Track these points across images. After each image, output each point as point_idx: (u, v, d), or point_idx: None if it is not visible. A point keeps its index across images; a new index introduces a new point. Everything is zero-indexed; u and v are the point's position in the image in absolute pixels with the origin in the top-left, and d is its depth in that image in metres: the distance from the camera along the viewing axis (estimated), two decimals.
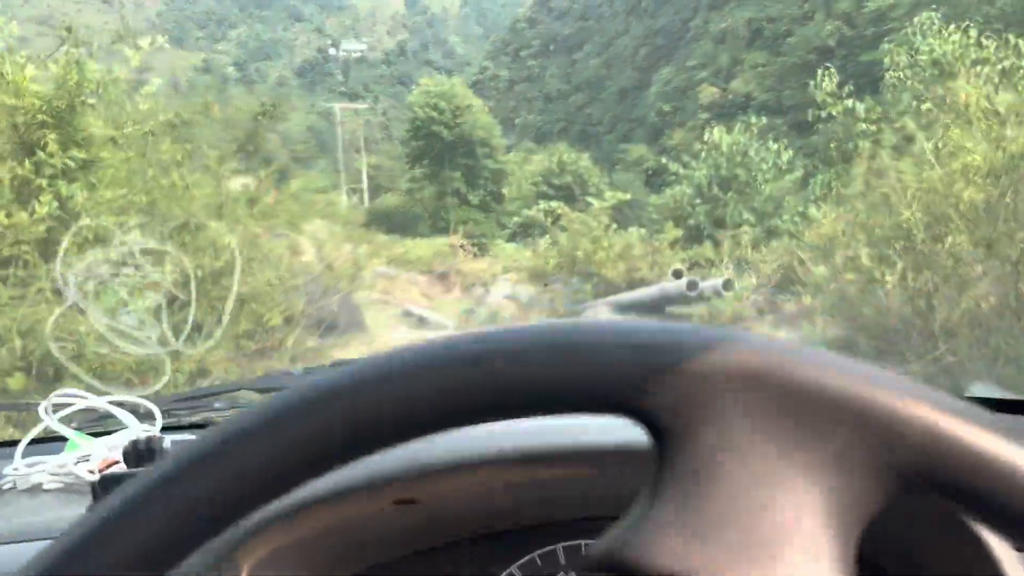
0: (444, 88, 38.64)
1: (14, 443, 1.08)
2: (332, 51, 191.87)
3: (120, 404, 1.08)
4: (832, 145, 12.33)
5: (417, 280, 19.71)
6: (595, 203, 12.45)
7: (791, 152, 17.57)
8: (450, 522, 0.79)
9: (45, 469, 1.00)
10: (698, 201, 16.87)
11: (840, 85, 12.02)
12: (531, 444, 0.69)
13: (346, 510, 0.69)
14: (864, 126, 11.57)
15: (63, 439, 1.06)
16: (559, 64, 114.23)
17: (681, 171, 17.43)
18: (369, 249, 25.70)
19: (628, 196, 13.79)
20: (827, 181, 12.04)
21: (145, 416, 1.07)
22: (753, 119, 17.36)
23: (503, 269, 20.48)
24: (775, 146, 17.36)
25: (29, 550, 0.71)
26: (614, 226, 12.54)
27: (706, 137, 17.57)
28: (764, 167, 16.95)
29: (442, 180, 38.34)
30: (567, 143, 39.94)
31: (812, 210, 9.60)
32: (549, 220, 13.21)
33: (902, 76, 11.20)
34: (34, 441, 1.08)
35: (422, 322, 15.29)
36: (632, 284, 11.62)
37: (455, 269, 19.65)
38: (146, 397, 1.13)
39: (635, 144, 73.28)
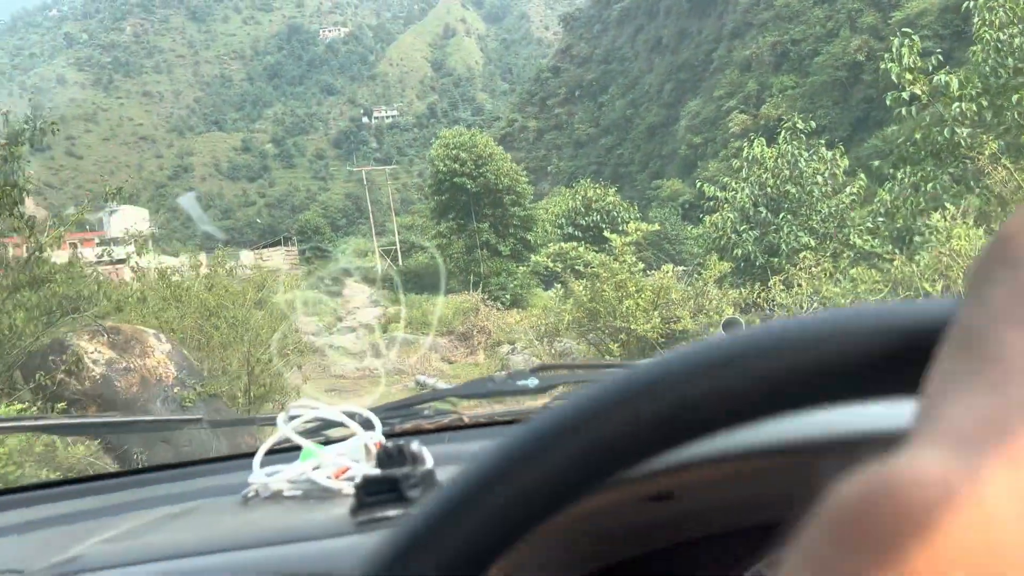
0: (464, 139, 37.10)
1: (250, 454, 1.14)
2: (365, 120, 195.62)
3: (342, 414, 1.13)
4: (918, 136, 9.82)
5: (438, 344, 17.65)
6: (615, 240, 9.73)
7: (847, 160, 14.84)
8: (705, 517, 0.79)
9: (284, 477, 1.06)
10: (744, 226, 14.16)
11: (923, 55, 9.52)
12: (790, 435, 0.66)
13: (603, 500, 0.68)
14: (961, 107, 9.02)
15: (294, 447, 1.10)
16: (586, 109, 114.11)
17: (720, 194, 14.74)
18: (392, 312, 23.76)
19: (655, 227, 10.81)
20: (915, 184, 9.57)
21: (363, 425, 1.11)
22: (800, 124, 14.60)
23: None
24: (829, 154, 14.63)
25: (280, 553, 0.86)
26: (641, 266, 9.93)
27: (744, 152, 14.96)
28: (820, 179, 14.26)
29: (470, 233, 36.70)
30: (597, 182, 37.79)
31: (936, 219, 7.11)
32: (558, 265, 10.61)
33: (1003, 36, 8.84)
34: (267, 452, 1.13)
35: None
36: (672, 339, 9.27)
37: (477, 328, 17.61)
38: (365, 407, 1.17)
39: (669, 179, 71.85)
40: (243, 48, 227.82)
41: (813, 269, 9.58)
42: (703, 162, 67.47)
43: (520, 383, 1.26)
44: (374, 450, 1.00)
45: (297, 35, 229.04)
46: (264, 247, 77.24)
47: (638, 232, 9.78)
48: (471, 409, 1.38)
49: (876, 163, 14.01)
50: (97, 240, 75.71)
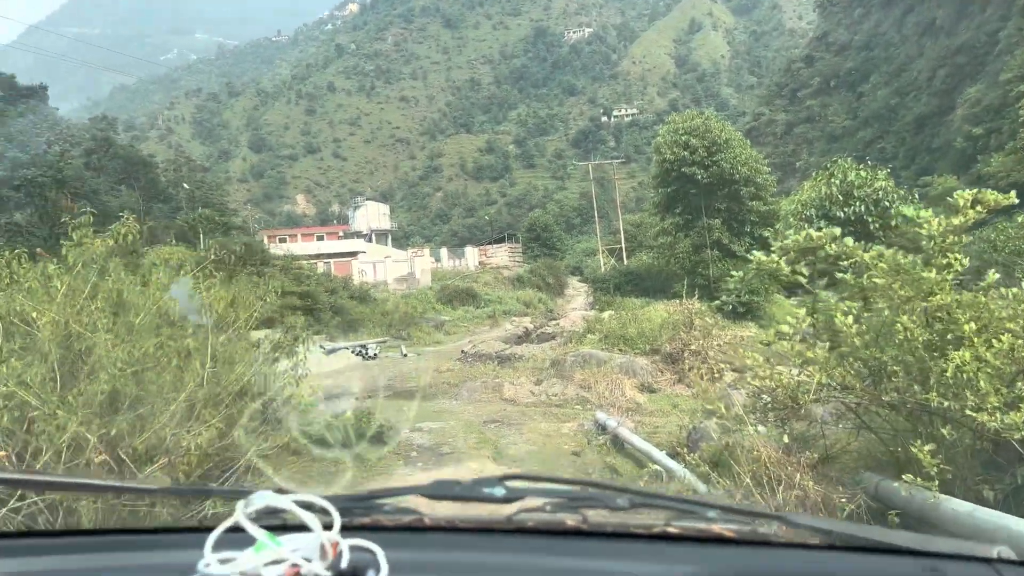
0: (695, 123, 32.42)
1: (203, 529, 1.15)
2: (604, 119, 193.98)
3: (301, 503, 1.13)
4: None
5: (636, 366, 13.81)
6: (929, 221, 4.63)
7: None
8: None
9: (235, 568, 1.06)
10: None
11: None
12: None
13: None
14: None
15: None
16: (842, 100, 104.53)
17: None
18: (587, 324, 20.24)
19: (1010, 199, 5.49)
20: None
21: (322, 511, 1.12)
22: None
23: (775, 336, 14.07)
24: None
25: None
26: (993, 276, 4.70)
27: None
28: None
29: (699, 230, 32.22)
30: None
31: None
32: (801, 271, 5.53)
33: None
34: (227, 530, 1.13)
35: (611, 448, 9.41)
36: None
37: (690, 348, 13.55)
38: (325, 496, 1.17)
39: (940, 176, 62.86)
40: (492, 52, 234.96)
41: None
42: (984, 156, 58.55)
43: (487, 490, 1.22)
44: (329, 550, 1.03)
45: (543, 38, 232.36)
46: (489, 243, 77.06)
47: (976, 209, 4.72)
48: (432, 510, 1.31)
49: None
50: (341, 233, 78.93)
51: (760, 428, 5.76)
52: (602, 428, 10.10)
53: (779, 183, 59.42)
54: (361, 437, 9.35)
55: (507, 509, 1.25)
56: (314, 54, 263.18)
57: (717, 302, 22.52)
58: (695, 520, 1.24)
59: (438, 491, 1.27)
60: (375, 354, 22.27)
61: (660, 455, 8.05)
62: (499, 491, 1.22)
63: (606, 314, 23.06)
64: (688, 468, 6.85)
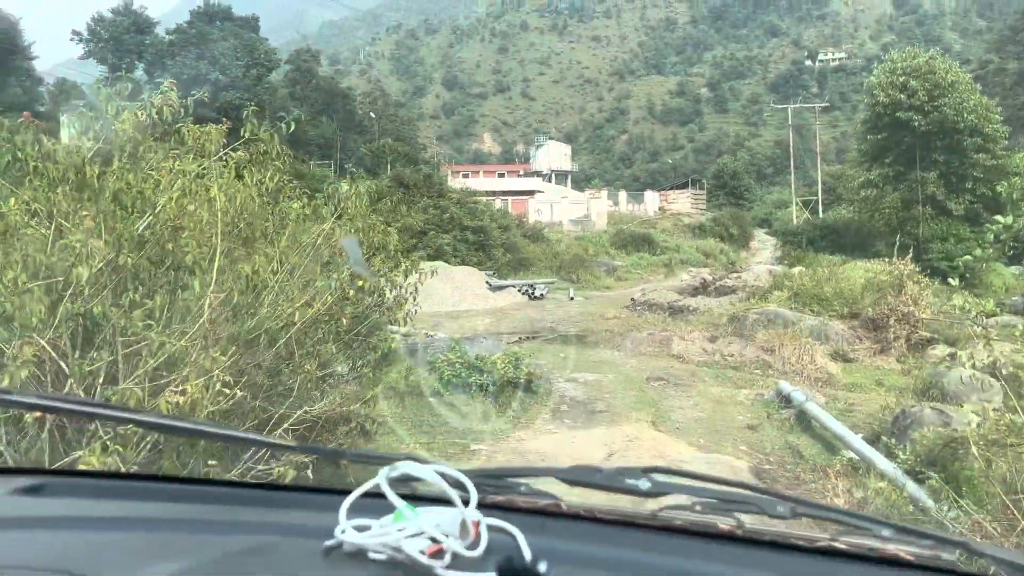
0: (917, 62, 28.73)
1: (335, 491, 1.15)
2: (808, 63, 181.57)
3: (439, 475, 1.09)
4: None
5: (832, 330, 12.11)
6: None
7: None
8: None
9: (372, 536, 1.01)
10: None
11: None
12: None
13: None
14: None
15: (381, 495, 1.07)
16: None
17: None
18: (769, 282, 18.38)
19: None
20: None
21: (455, 486, 1.07)
22: None
23: (996, 307, 12.11)
24: None
25: None
26: None
27: None
28: None
29: (910, 184, 28.86)
30: None
31: None
32: None
33: None
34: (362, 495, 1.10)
35: (795, 425, 8.03)
36: None
37: (897, 313, 11.65)
38: (461, 471, 1.14)
39: None
40: None
41: None
42: None
43: (630, 481, 1.17)
44: (471, 527, 0.99)
45: None
46: (671, 189, 74.25)
47: None
48: (569, 495, 1.24)
49: None
50: (521, 172, 79.30)
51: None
52: (785, 400, 8.70)
53: (1000, 122, 53.35)
54: (507, 384, 8.44)
55: (651, 504, 1.17)
56: None
57: (933, 263, 19.88)
58: (866, 537, 1.11)
59: (577, 476, 1.20)
60: (542, 294, 21.59)
61: (857, 440, 6.62)
62: (644, 484, 1.13)
63: (796, 270, 21.00)
64: (898, 465, 5.41)
